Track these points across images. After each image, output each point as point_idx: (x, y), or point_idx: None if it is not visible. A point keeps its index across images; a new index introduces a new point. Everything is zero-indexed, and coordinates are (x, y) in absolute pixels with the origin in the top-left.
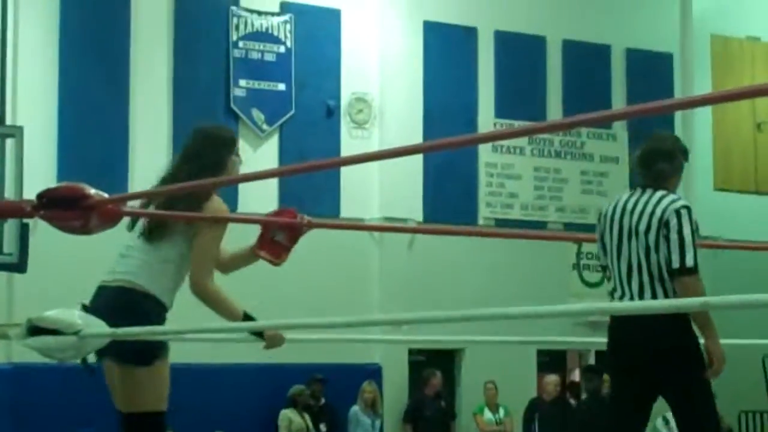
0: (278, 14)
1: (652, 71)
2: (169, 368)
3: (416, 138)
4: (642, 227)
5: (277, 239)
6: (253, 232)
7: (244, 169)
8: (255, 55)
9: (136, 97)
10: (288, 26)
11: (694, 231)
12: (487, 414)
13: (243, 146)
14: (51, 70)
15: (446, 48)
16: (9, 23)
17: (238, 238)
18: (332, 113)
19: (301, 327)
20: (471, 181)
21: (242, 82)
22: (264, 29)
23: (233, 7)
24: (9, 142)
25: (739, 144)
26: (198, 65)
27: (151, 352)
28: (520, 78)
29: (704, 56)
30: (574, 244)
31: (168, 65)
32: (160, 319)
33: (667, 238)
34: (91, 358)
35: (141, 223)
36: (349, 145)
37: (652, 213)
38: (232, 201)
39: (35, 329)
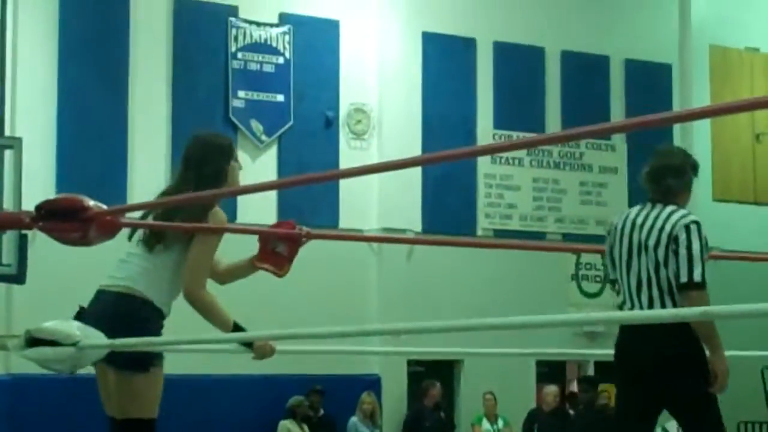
0: (277, 25)
1: (650, 82)
2: (163, 376)
3: (415, 149)
4: (651, 242)
5: (278, 251)
6: (252, 243)
7: (244, 180)
8: (254, 66)
9: (135, 108)
10: (287, 37)
11: (704, 246)
12: (486, 425)
13: (242, 157)
14: (50, 81)
15: (445, 59)
16: (8, 34)
17: (237, 249)
18: (331, 124)
19: (300, 337)
20: (470, 191)
21: (241, 93)
22: (263, 40)
23: (232, 18)
24: (8, 153)
25: (738, 155)
26: (197, 76)
27: (148, 359)
28: (519, 89)
29: (703, 67)
30: (573, 254)
31: (167, 76)
32: (158, 327)
33: (676, 253)
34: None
35: (141, 230)
36: (347, 156)
37: (662, 228)
38: (231, 212)
39: (33, 340)
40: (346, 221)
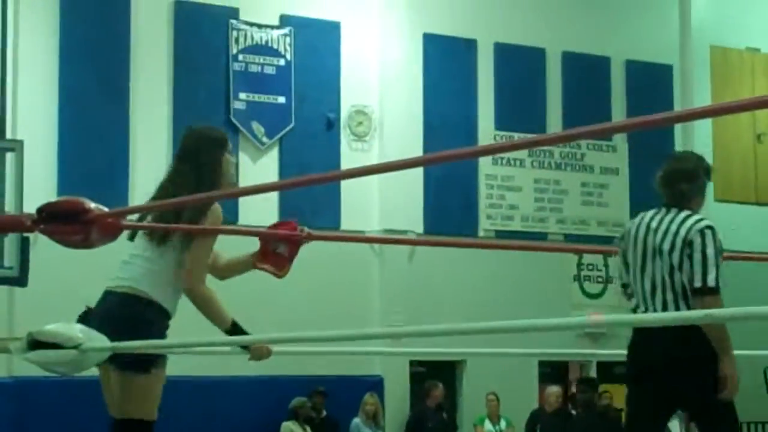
0: (278, 27)
1: (651, 82)
2: (164, 378)
3: (416, 150)
4: (666, 246)
5: (278, 251)
6: (252, 244)
7: (245, 182)
8: (255, 68)
9: (137, 110)
10: (288, 39)
11: (718, 251)
12: (488, 425)
13: (243, 159)
14: (51, 84)
15: (446, 60)
16: (9, 37)
17: (237, 250)
18: (332, 126)
19: (302, 341)
20: (471, 192)
21: (242, 95)
22: (264, 42)
23: (233, 21)
24: (9, 156)
25: (740, 155)
26: (198, 78)
27: (151, 360)
28: (520, 90)
29: (704, 67)
30: (575, 255)
31: (168, 78)
32: (162, 327)
33: (691, 258)
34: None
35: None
36: (349, 158)
37: (676, 233)
38: (232, 213)
39: (36, 343)
40: (347, 223)
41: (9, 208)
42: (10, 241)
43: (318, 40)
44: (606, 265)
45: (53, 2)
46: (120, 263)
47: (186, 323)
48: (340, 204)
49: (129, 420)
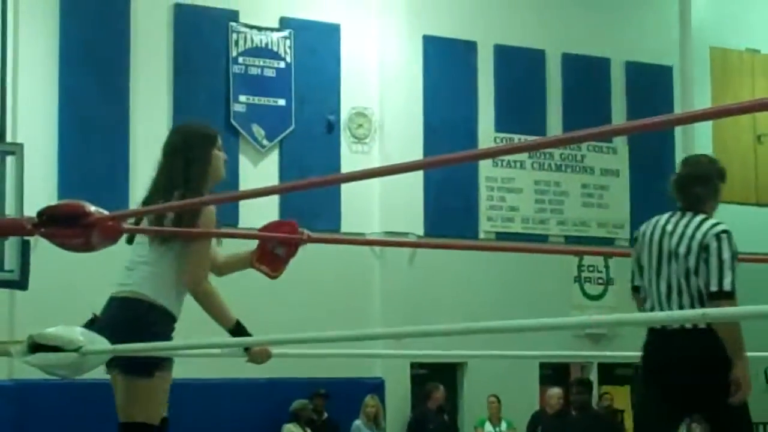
0: (278, 30)
1: (651, 84)
2: (169, 382)
3: (416, 152)
4: (682, 250)
5: (276, 252)
6: (252, 244)
7: (245, 185)
8: (255, 71)
9: (137, 113)
10: (288, 42)
11: (734, 255)
12: (488, 427)
13: (243, 161)
14: (51, 87)
15: (446, 62)
16: (9, 40)
17: (236, 249)
18: (332, 128)
19: (303, 342)
20: (471, 194)
21: (242, 98)
22: (264, 45)
23: (233, 23)
24: (9, 160)
25: (740, 156)
26: (198, 81)
27: (154, 364)
28: (520, 91)
29: (704, 68)
30: (575, 257)
31: (168, 81)
32: (166, 329)
33: (707, 262)
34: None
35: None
36: (349, 160)
37: (692, 237)
38: (232, 215)
39: (36, 346)
40: (348, 225)
41: (9, 211)
42: (11, 244)
43: (318, 43)
44: (606, 267)
45: (53, 5)
46: (122, 269)
47: (186, 326)
48: (341, 206)
49: (133, 423)
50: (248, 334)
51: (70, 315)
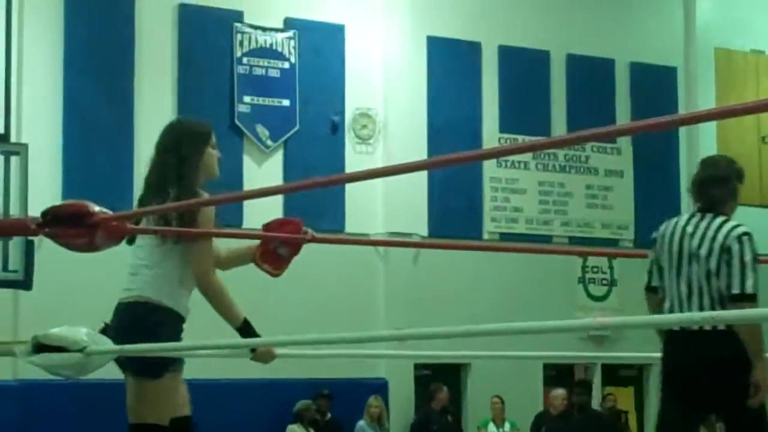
0: (282, 30)
1: (656, 85)
2: (180, 382)
3: (420, 153)
4: (703, 252)
5: (279, 251)
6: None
7: (249, 185)
8: (259, 72)
9: (141, 113)
10: (292, 42)
11: (756, 258)
12: (492, 428)
13: (247, 162)
14: (55, 87)
15: (450, 63)
16: (13, 40)
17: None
18: (337, 129)
19: (307, 343)
20: (475, 195)
21: (246, 99)
22: (268, 45)
23: (237, 24)
24: (14, 160)
25: (744, 157)
26: (202, 81)
27: (163, 365)
28: (524, 92)
29: (708, 69)
30: (580, 258)
31: (172, 81)
32: (174, 329)
33: (729, 264)
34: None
35: (140, 236)
36: (353, 161)
37: (714, 238)
38: (236, 215)
39: (40, 346)
40: (352, 225)
41: (14, 211)
42: (15, 244)
43: (322, 43)
44: (611, 268)
45: (57, 6)
46: (127, 275)
47: (190, 326)
48: (345, 206)
49: (143, 424)
50: (256, 332)
51: (74, 315)
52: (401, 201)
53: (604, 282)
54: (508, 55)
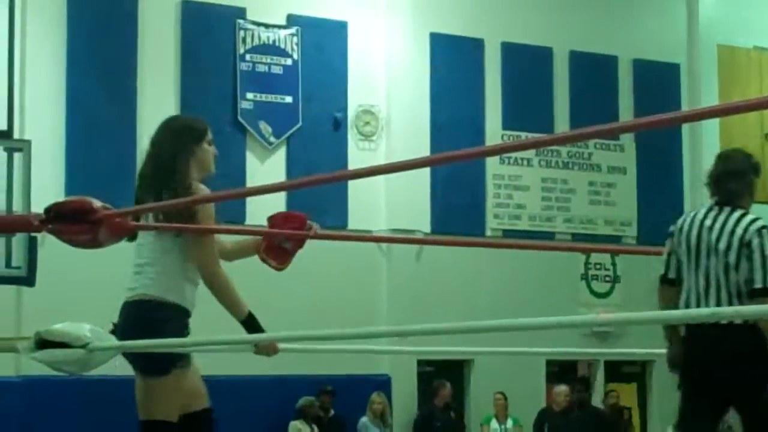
0: (285, 27)
1: (659, 81)
2: (189, 379)
3: (423, 150)
4: (722, 245)
5: (284, 246)
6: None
7: (252, 182)
8: (262, 68)
9: (144, 110)
10: (295, 39)
11: None
12: (494, 424)
13: (250, 158)
14: (58, 84)
15: (453, 60)
16: (16, 38)
17: None
18: (339, 125)
19: (309, 339)
20: (478, 192)
21: (249, 95)
22: (271, 42)
23: (240, 20)
24: (17, 156)
25: None
26: (205, 78)
27: (170, 362)
28: (527, 89)
29: (711, 66)
30: (583, 254)
31: (175, 78)
32: (180, 324)
33: (750, 258)
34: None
35: (142, 234)
36: (356, 157)
37: (732, 232)
38: (239, 212)
39: (44, 342)
40: (355, 222)
41: (17, 208)
42: (18, 241)
43: (325, 40)
44: (613, 264)
45: (60, 3)
46: (131, 274)
47: (194, 322)
48: (348, 203)
49: (152, 421)
50: (260, 326)
51: (77, 311)
52: (404, 198)
53: (607, 279)
54: (511, 52)
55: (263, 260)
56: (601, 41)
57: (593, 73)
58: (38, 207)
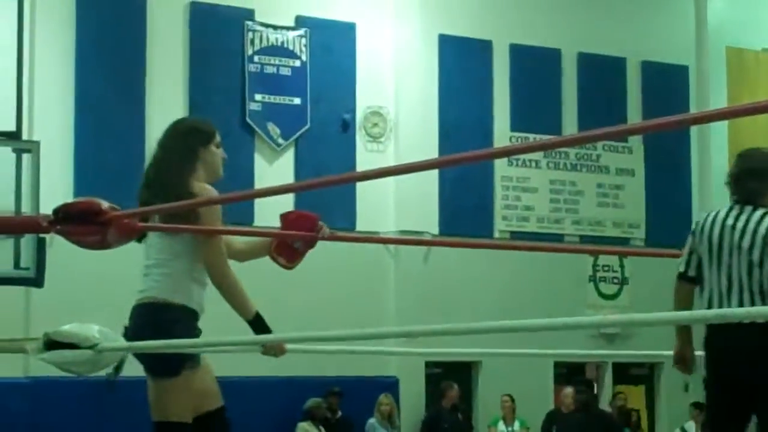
0: (293, 28)
1: (667, 83)
2: (200, 379)
3: (431, 152)
4: (745, 244)
5: (295, 246)
6: None
7: (260, 183)
8: (270, 70)
9: (152, 111)
10: (303, 40)
11: None
12: (501, 426)
13: (259, 160)
14: (67, 85)
15: (461, 61)
16: (25, 39)
17: None
18: (348, 127)
19: (317, 340)
20: (486, 194)
21: (258, 97)
22: (279, 43)
23: (248, 22)
24: (26, 157)
25: None
26: (214, 79)
27: (179, 362)
28: (536, 91)
29: (720, 68)
30: (591, 256)
31: (184, 80)
32: (189, 326)
33: None
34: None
35: (150, 235)
36: (364, 159)
37: (755, 231)
38: (248, 213)
39: (52, 343)
40: (363, 224)
41: (25, 209)
42: (27, 242)
43: (333, 42)
44: (621, 266)
45: (69, 4)
46: (140, 276)
47: (201, 323)
48: (356, 205)
49: (166, 422)
50: (267, 326)
51: (85, 312)
52: (412, 199)
53: (615, 281)
54: (519, 54)
55: (273, 258)
56: (609, 43)
57: (602, 74)
58: (47, 208)
